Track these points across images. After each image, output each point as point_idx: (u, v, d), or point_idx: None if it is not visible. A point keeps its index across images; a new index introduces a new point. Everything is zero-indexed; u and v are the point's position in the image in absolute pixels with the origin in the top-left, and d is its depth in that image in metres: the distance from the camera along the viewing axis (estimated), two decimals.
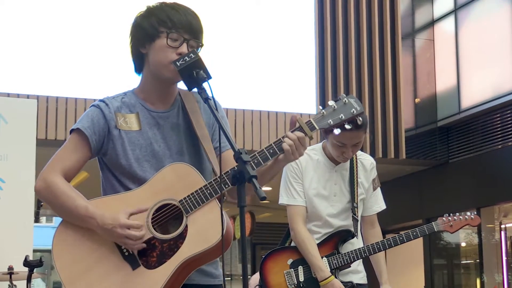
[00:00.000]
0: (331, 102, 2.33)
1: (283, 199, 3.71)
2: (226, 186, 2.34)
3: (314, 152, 3.70)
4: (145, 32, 2.45)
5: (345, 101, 2.32)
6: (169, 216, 2.38)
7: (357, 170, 3.71)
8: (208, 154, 2.47)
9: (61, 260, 2.39)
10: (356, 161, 3.72)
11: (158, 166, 2.44)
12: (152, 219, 2.37)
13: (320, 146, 3.71)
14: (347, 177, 3.70)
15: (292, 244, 3.73)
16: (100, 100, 2.51)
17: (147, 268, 2.33)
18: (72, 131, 2.47)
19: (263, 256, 3.77)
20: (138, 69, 2.54)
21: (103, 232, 2.34)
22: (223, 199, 2.35)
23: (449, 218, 3.78)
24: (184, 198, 2.35)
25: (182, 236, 2.33)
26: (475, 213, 3.80)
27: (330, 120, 2.31)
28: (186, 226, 2.34)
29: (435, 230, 3.72)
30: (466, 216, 3.79)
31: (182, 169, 2.40)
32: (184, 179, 2.38)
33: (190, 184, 2.37)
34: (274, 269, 3.67)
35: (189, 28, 2.43)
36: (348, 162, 3.71)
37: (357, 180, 3.70)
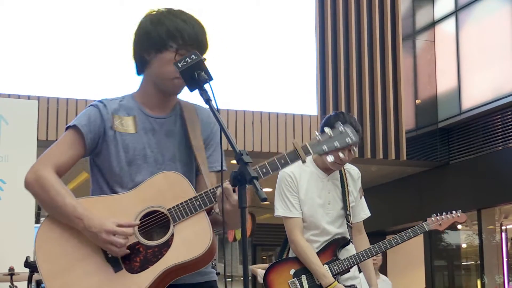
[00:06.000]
0: (327, 129, 2.41)
1: (278, 212, 3.84)
2: (211, 202, 2.34)
3: (305, 165, 3.83)
4: (153, 41, 2.44)
5: (341, 129, 2.41)
6: (156, 223, 2.38)
7: (346, 180, 3.90)
8: (200, 165, 2.49)
9: (43, 254, 2.37)
10: (345, 172, 3.91)
11: (148, 171, 2.44)
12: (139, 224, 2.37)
13: (310, 158, 3.79)
14: (338, 186, 3.88)
15: (290, 254, 3.88)
16: (99, 101, 2.52)
17: (129, 272, 2.33)
18: (68, 127, 2.47)
19: (266, 269, 3.93)
20: (140, 71, 2.55)
21: (88, 234, 2.34)
22: (223, 209, 2.34)
23: (437, 217, 4.08)
24: (173, 207, 2.36)
25: (167, 244, 2.33)
26: (461, 210, 4.15)
27: (325, 147, 2.39)
28: (173, 234, 2.34)
29: (427, 230, 4.00)
30: (453, 215, 4.09)
31: (173, 177, 2.41)
32: (175, 188, 2.39)
33: (180, 193, 2.38)
34: (278, 280, 3.81)
35: (198, 44, 2.42)
36: (338, 172, 3.89)
37: (347, 188, 3.89)
